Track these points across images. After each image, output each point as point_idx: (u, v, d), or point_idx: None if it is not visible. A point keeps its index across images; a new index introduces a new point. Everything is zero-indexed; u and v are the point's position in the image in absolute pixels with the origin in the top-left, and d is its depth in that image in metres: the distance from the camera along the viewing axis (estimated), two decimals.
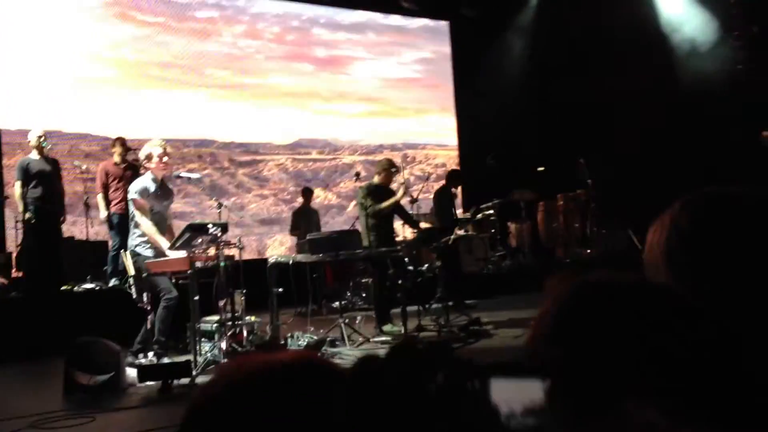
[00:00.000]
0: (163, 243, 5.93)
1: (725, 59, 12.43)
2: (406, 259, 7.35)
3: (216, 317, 6.26)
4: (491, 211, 10.50)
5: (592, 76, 12.78)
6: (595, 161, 11.03)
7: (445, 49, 13.74)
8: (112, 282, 8.26)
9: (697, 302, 0.98)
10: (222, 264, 6.06)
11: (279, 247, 11.18)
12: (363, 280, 8.97)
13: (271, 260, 7.01)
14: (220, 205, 6.78)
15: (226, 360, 5.78)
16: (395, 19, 13.10)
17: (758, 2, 12.17)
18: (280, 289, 6.74)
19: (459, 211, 11.02)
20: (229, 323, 6.18)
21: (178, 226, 6.46)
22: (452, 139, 13.69)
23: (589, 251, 11.03)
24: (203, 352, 5.88)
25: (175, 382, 5.18)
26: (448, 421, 0.46)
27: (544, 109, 13.61)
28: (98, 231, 9.06)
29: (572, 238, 11.40)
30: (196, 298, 5.76)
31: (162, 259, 5.86)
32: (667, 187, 10.87)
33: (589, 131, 12.45)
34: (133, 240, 6.08)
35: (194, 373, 5.32)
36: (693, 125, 12.03)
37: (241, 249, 6.52)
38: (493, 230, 10.72)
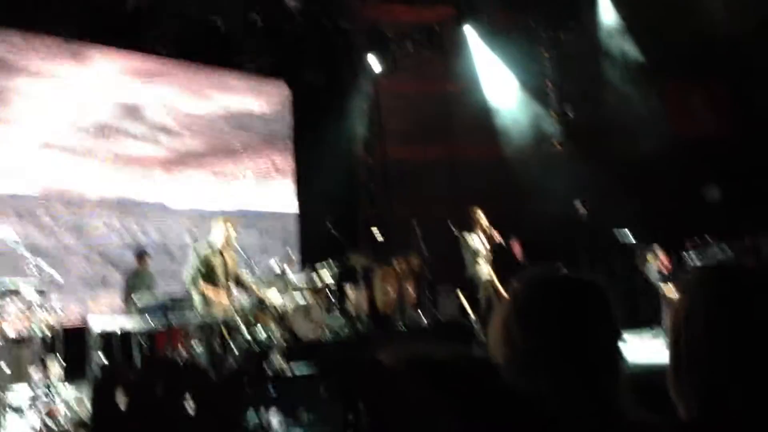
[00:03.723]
0: None
1: (544, 137, 13.63)
2: (241, 325, 7.16)
3: (27, 389, 5.73)
4: (329, 277, 10.52)
5: (429, 143, 13.48)
6: (430, 227, 11.45)
7: (287, 111, 13.84)
8: None
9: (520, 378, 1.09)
10: (37, 331, 5.60)
11: (107, 311, 10.47)
12: (197, 348, 8.59)
13: (94, 327, 6.56)
14: (37, 267, 6.29)
15: None
16: (235, 79, 13.00)
17: (572, 89, 13.55)
18: (103, 359, 6.30)
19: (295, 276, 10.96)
20: (42, 396, 5.68)
21: None
22: (291, 202, 13.69)
23: (423, 316, 11.33)
24: (9, 429, 5.34)
25: None
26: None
27: (382, 175, 14.07)
28: None
29: (407, 303, 11.68)
30: (4, 367, 5.26)
31: None
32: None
33: (424, 197, 13.02)
34: None
35: None
36: (516, 195, 12.97)
37: (61, 315, 6.06)
38: (330, 296, 10.74)
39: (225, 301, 7.48)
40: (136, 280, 9.76)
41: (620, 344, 1.21)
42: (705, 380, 1.32)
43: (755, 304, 1.34)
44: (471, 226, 8.79)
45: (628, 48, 13.01)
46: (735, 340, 1.31)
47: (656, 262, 11.13)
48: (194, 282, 7.34)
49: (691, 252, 11.60)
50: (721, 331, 1.32)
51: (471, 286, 8.69)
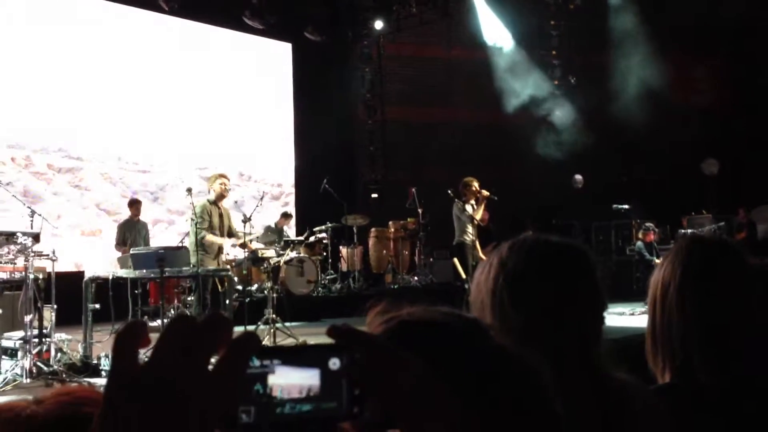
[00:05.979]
0: None
1: (545, 106, 13.57)
2: (235, 279, 7.21)
3: (20, 333, 5.77)
4: (324, 235, 10.59)
5: (430, 107, 13.41)
6: (426, 191, 11.46)
7: (287, 70, 13.73)
8: None
9: (506, 335, 1.10)
10: (31, 276, 5.62)
11: (100, 259, 10.52)
12: (189, 299, 8.66)
13: (89, 274, 6.58)
14: (32, 213, 6.30)
15: (29, 380, 5.34)
16: (237, 36, 12.87)
17: (575, 58, 13.47)
18: (97, 306, 6.34)
19: (292, 233, 11.02)
20: (35, 340, 5.72)
21: None
22: (290, 160, 13.67)
23: (416, 278, 11.42)
24: (3, 371, 5.39)
25: None
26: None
27: (381, 137, 14.02)
28: None
29: (401, 265, 11.74)
30: None
31: None
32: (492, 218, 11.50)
33: (422, 160, 13.00)
34: None
35: None
36: (514, 162, 12.96)
37: (55, 261, 6.08)
38: (324, 253, 10.80)
39: (219, 253, 7.49)
40: (129, 229, 9.77)
41: (605, 311, 1.22)
42: (676, 349, 1.35)
43: (722, 278, 1.36)
44: (464, 194, 8.71)
45: (633, 20, 12.89)
46: (702, 312, 1.35)
47: (650, 235, 11.16)
48: (190, 233, 7.34)
49: (686, 226, 11.66)
50: (690, 302, 1.36)
51: (460, 251, 8.68)
